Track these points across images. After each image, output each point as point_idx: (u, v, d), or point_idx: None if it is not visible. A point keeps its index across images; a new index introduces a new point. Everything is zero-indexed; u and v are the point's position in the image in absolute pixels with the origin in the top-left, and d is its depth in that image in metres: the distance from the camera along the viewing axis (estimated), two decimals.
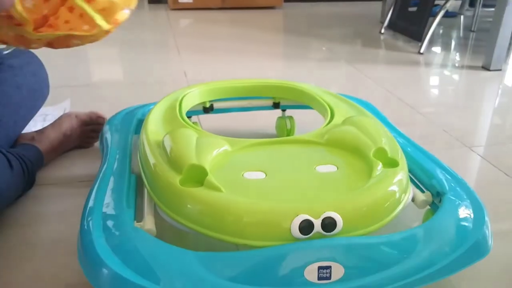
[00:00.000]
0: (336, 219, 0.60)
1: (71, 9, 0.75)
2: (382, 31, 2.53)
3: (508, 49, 2.07)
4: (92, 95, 1.57)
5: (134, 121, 1.02)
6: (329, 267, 0.59)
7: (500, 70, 1.92)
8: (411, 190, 0.75)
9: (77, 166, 1.08)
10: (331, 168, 0.72)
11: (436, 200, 0.76)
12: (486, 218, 0.70)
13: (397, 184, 0.69)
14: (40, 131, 1.07)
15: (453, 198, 0.73)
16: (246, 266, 0.59)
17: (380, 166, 0.70)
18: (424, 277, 0.62)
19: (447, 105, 1.59)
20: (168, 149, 0.73)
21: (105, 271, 0.58)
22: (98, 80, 1.80)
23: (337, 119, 0.88)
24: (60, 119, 1.12)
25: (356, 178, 0.70)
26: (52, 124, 1.10)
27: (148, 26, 2.82)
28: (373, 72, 1.89)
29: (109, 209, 0.69)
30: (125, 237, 0.63)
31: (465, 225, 0.69)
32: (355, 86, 1.75)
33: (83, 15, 0.75)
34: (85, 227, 0.65)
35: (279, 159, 0.76)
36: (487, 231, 0.69)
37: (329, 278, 0.59)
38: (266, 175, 0.70)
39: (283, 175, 0.71)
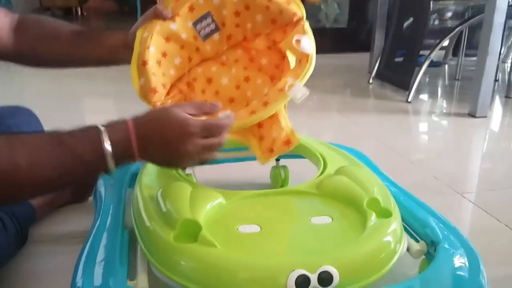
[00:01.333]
0: (333, 273, 0.60)
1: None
2: (371, 81, 2.59)
3: (492, 96, 2.12)
4: None
5: (128, 174, 1.02)
6: None
7: (485, 117, 1.96)
8: (406, 240, 0.75)
9: (70, 221, 1.07)
10: (326, 220, 0.72)
11: (431, 249, 0.76)
12: (482, 267, 0.70)
13: (392, 235, 0.69)
14: None
15: (448, 247, 0.73)
16: None
17: (374, 216, 0.71)
18: None
19: (436, 152, 1.62)
20: (161, 204, 0.73)
21: None
22: None
23: (330, 169, 0.89)
24: None
25: (351, 229, 0.70)
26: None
27: None
28: (363, 121, 1.92)
29: (101, 268, 0.68)
30: None
31: (461, 275, 0.69)
32: (346, 135, 1.78)
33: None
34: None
35: (274, 211, 0.77)
36: (483, 281, 0.68)
37: None
38: (261, 228, 0.69)
39: (278, 228, 0.71)
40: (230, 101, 0.94)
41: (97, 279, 0.66)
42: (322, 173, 0.88)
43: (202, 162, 0.72)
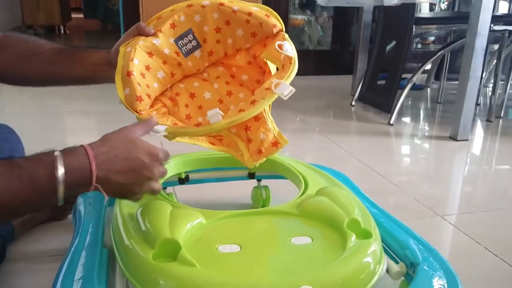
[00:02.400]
0: None
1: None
2: (353, 103, 2.61)
3: (474, 120, 2.15)
4: None
5: None
6: None
7: (467, 140, 1.98)
8: (385, 261, 0.75)
9: (49, 239, 1.06)
10: (306, 240, 0.72)
11: (410, 271, 0.76)
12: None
13: (371, 256, 0.69)
14: None
15: (427, 268, 0.74)
16: None
17: (353, 237, 0.71)
18: None
19: (418, 174, 1.63)
20: (141, 223, 0.72)
21: None
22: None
23: (311, 189, 0.89)
24: None
25: (331, 249, 0.70)
26: None
27: None
28: (345, 143, 1.94)
29: (79, 287, 0.67)
30: None
31: None
32: (328, 156, 1.79)
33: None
34: None
35: (254, 231, 0.77)
36: None
37: None
38: (240, 248, 0.69)
39: (258, 248, 0.71)
40: None
41: None
42: (303, 193, 0.89)
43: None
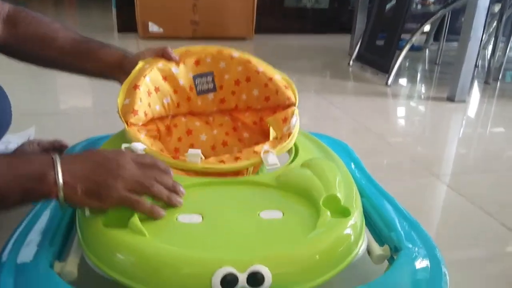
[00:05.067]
0: (265, 274, 0.55)
1: None
2: (351, 63, 2.58)
3: (471, 81, 2.13)
4: (59, 124, 1.54)
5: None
6: None
7: (464, 101, 1.97)
8: (364, 244, 0.68)
9: None
10: (276, 214, 0.67)
11: (395, 254, 0.70)
12: (444, 280, 0.65)
13: (344, 238, 0.63)
14: None
15: (410, 254, 0.68)
16: None
17: (328, 214, 0.65)
18: None
19: (414, 135, 1.62)
20: None
21: None
22: (67, 108, 1.77)
23: (298, 160, 0.83)
24: (21, 146, 1.09)
25: (301, 227, 0.64)
26: (14, 152, 1.07)
27: None
28: (342, 103, 1.92)
29: (30, 246, 0.64)
30: (35, 282, 0.58)
31: (420, 281, 0.64)
32: (324, 116, 1.77)
33: None
34: None
35: (222, 201, 0.71)
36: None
37: None
38: (203, 219, 0.64)
39: (221, 220, 0.65)
40: None
41: (23, 255, 0.62)
42: (291, 163, 0.84)
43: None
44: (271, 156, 0.80)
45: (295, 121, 0.89)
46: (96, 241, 0.61)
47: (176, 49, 0.94)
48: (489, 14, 2.54)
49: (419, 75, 2.55)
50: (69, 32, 0.94)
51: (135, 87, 0.85)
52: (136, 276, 0.57)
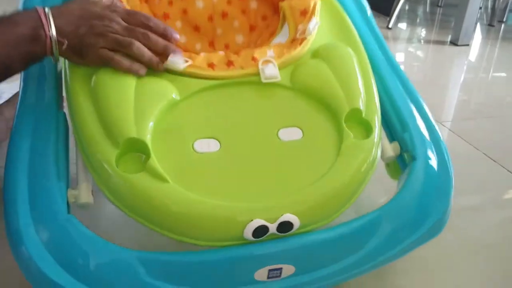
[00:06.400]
0: (293, 222, 0.54)
1: None
2: None
3: (475, 24, 2.07)
4: None
5: None
6: (280, 269, 0.56)
7: (468, 45, 1.92)
8: (380, 149, 0.66)
9: None
10: (295, 134, 0.62)
11: (406, 156, 0.69)
12: (450, 198, 0.66)
13: (367, 161, 0.60)
14: None
15: (422, 161, 0.66)
16: (191, 268, 0.54)
17: (351, 136, 0.61)
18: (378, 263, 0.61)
19: (417, 79, 1.58)
20: (100, 109, 0.60)
21: (37, 272, 0.52)
22: None
23: (311, 46, 0.71)
24: (16, 96, 1.05)
25: (323, 153, 0.60)
26: (7, 102, 1.03)
27: None
28: None
29: (37, 187, 0.57)
30: (57, 232, 0.54)
31: (426, 205, 0.64)
32: None
33: None
34: (11, 210, 0.55)
35: (236, 116, 0.64)
36: (448, 208, 0.65)
37: (279, 276, 0.56)
38: (220, 146, 0.59)
39: (240, 146, 0.60)
40: (195, 28, 0.82)
41: (34, 201, 0.56)
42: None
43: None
44: (271, 67, 0.66)
45: (314, 25, 0.71)
46: (112, 183, 0.56)
47: None
48: None
49: (421, 17, 2.48)
50: None
51: None
52: (159, 222, 0.55)
